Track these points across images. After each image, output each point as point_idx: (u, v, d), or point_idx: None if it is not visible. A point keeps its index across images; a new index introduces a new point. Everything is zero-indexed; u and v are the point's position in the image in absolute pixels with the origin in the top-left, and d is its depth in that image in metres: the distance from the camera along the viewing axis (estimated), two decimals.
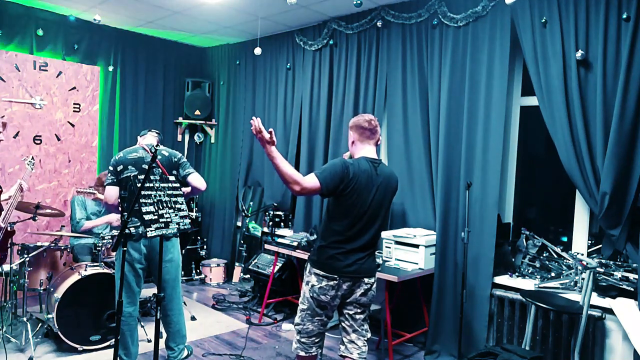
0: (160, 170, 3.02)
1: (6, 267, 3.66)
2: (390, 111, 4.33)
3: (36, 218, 3.78)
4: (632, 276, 3.11)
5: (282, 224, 5.29)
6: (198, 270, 5.80)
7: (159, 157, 2.96)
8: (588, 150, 3.15)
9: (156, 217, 2.44)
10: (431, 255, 3.76)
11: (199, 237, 5.99)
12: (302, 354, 2.64)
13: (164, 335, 3.41)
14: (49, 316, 3.55)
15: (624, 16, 2.96)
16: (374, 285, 2.64)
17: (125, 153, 3.27)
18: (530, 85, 3.52)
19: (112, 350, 2.74)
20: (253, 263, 5.07)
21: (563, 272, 3.47)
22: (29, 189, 4.33)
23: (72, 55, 5.25)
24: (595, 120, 3.12)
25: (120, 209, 3.23)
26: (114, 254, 4.00)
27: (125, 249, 2.54)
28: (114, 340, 2.85)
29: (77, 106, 5.20)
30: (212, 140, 6.33)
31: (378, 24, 4.32)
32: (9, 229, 3.34)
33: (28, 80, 4.85)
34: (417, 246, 3.69)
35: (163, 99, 6.05)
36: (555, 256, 3.59)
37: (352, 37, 4.59)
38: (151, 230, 2.40)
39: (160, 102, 6.02)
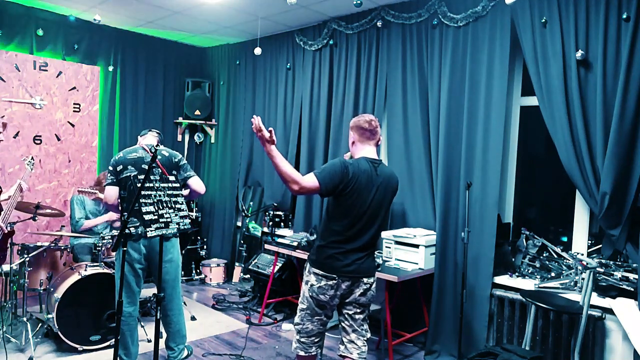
0: (160, 170, 3.02)
1: (6, 267, 3.65)
2: (390, 111, 4.33)
3: (36, 218, 3.78)
4: (632, 276, 3.10)
5: (282, 224, 5.29)
6: (198, 270, 5.80)
7: (159, 157, 2.96)
8: (588, 150, 3.15)
9: (156, 217, 2.44)
10: (431, 255, 3.76)
11: (199, 237, 5.99)
12: (302, 353, 2.64)
13: (164, 335, 3.41)
14: (49, 316, 3.55)
15: (624, 16, 2.96)
16: (373, 285, 2.64)
17: (125, 153, 3.27)
18: (530, 85, 3.51)
19: (112, 350, 2.74)
20: (253, 263, 5.07)
21: (563, 272, 3.47)
22: (29, 189, 4.32)
23: (72, 55, 5.25)
24: (595, 120, 3.12)
25: (120, 209, 3.23)
26: (114, 254, 4.00)
27: (125, 249, 2.54)
28: (114, 340, 2.85)
29: (77, 106, 5.20)
30: (212, 140, 6.33)
31: (378, 24, 4.32)
32: (8, 229, 3.34)
33: (28, 80, 4.85)
34: (417, 246, 3.69)
35: (163, 99, 6.05)
36: (555, 256, 3.59)
37: (352, 37, 4.59)
38: (151, 230, 2.40)
39: (160, 102, 6.02)
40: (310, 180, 2.39)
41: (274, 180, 5.31)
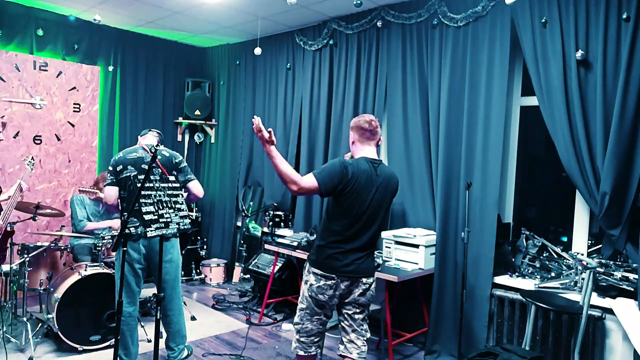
0: (160, 171, 3.02)
1: (6, 267, 3.66)
2: (390, 111, 4.33)
3: (36, 218, 3.78)
4: (632, 276, 3.10)
5: (282, 224, 5.29)
6: (198, 270, 5.80)
7: (159, 157, 2.96)
8: (588, 150, 3.15)
9: (156, 217, 2.44)
10: (431, 255, 3.76)
11: (199, 237, 5.99)
12: (302, 353, 2.64)
13: (164, 335, 3.41)
14: (49, 316, 3.55)
15: (624, 16, 2.96)
16: (373, 285, 2.64)
17: (125, 153, 3.27)
18: (530, 85, 3.51)
19: (112, 350, 2.74)
20: (253, 263, 5.07)
21: (563, 272, 3.47)
22: (29, 189, 4.32)
23: (72, 55, 5.25)
24: (595, 120, 3.12)
25: (120, 208, 3.23)
26: (113, 254, 4.00)
27: (125, 249, 2.54)
28: (114, 340, 2.85)
29: (77, 106, 5.20)
30: (212, 140, 6.33)
31: (378, 24, 4.32)
32: (8, 229, 3.34)
33: (28, 80, 4.85)
34: (417, 246, 3.69)
35: (163, 99, 6.05)
36: (555, 256, 3.59)
37: (352, 37, 4.59)
38: (151, 230, 2.40)
39: (160, 102, 6.02)
40: (309, 180, 2.39)
41: (274, 180, 5.31)
